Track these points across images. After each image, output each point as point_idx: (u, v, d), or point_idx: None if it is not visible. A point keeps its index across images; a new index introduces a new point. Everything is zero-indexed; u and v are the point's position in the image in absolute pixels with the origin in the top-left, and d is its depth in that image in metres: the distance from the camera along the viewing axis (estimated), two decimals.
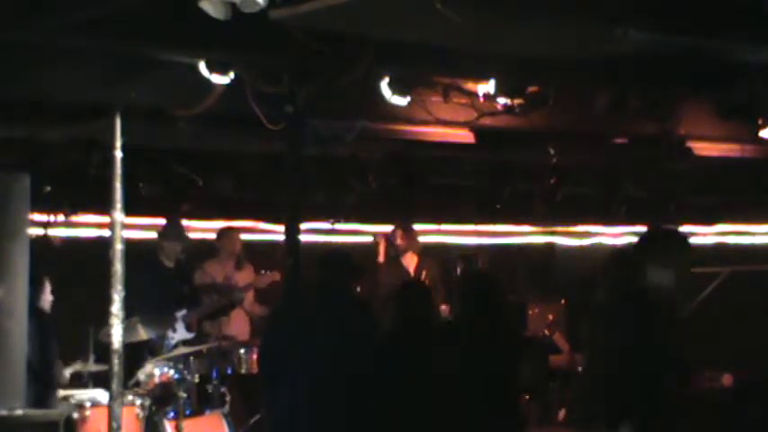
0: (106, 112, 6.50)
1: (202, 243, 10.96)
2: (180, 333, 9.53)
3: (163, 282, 9.75)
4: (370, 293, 10.05)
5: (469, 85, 9.18)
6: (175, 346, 9.08)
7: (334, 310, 6.56)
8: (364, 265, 8.52)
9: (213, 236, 10.93)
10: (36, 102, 8.57)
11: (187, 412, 8.33)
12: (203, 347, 8.98)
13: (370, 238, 11.45)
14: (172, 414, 8.25)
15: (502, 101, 9.21)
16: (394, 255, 10.86)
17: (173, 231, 10.11)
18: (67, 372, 8.18)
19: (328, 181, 10.69)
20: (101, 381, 7.84)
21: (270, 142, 8.73)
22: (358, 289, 8.32)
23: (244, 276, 10.48)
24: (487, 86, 8.88)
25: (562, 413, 10.85)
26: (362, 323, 6.63)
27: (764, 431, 8.12)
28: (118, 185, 6.12)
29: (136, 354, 8.47)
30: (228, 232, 10.80)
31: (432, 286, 9.91)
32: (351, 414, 6.33)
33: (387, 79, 8.56)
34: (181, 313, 9.62)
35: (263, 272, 10.35)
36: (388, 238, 10.98)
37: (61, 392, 7.89)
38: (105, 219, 9.62)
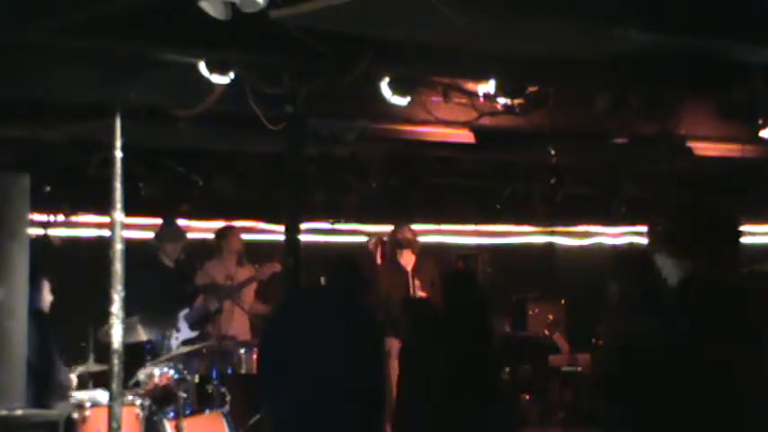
0: (106, 112, 6.50)
1: (202, 243, 10.96)
2: (183, 332, 9.54)
3: (163, 282, 9.75)
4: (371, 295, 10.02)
5: (469, 85, 9.17)
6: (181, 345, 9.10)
7: (336, 311, 6.53)
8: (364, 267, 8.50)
9: (213, 236, 10.92)
10: (36, 102, 8.57)
11: (187, 412, 8.32)
12: (203, 347, 8.98)
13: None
14: (172, 414, 8.24)
15: (502, 101, 9.21)
16: (391, 254, 10.79)
17: (169, 232, 10.12)
18: (74, 375, 8.15)
19: (328, 181, 10.69)
20: (101, 381, 7.84)
21: (270, 142, 8.73)
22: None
23: (244, 272, 10.47)
24: (487, 86, 8.88)
25: (562, 413, 10.86)
26: (364, 325, 6.60)
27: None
28: (118, 185, 6.14)
29: (136, 354, 8.47)
30: (229, 231, 10.78)
31: (430, 285, 9.91)
32: (353, 417, 6.30)
33: (387, 79, 8.56)
34: (183, 312, 9.63)
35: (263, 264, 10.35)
36: (392, 234, 10.90)
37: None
38: (105, 219, 9.63)
